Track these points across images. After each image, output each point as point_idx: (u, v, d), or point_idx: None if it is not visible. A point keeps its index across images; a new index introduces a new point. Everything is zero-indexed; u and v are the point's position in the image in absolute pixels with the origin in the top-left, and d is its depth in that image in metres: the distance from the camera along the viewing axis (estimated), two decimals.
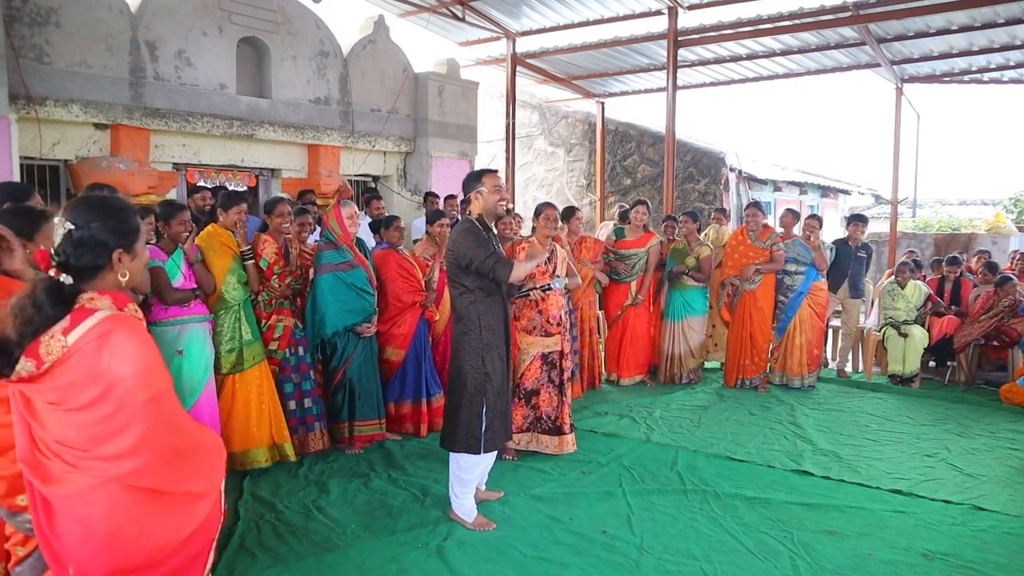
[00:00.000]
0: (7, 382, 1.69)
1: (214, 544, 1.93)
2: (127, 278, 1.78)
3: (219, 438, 2.00)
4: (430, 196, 7.53)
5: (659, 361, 6.91)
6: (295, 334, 4.54)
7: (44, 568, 1.85)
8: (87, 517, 1.70)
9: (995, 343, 6.75)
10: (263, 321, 4.44)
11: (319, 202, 6.85)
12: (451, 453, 3.63)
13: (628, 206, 7.15)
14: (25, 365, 1.65)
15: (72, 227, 1.72)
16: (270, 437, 4.31)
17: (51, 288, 1.68)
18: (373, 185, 8.52)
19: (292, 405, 4.51)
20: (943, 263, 7.55)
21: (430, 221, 5.49)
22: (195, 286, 3.96)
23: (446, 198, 7.45)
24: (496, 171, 3.64)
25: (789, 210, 6.92)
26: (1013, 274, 7.05)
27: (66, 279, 1.71)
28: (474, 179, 3.59)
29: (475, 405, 3.53)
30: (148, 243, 3.34)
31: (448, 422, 3.64)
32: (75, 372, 1.64)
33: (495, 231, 3.70)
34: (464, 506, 3.63)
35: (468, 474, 3.62)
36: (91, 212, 1.75)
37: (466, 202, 3.49)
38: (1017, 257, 7.69)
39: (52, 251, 1.75)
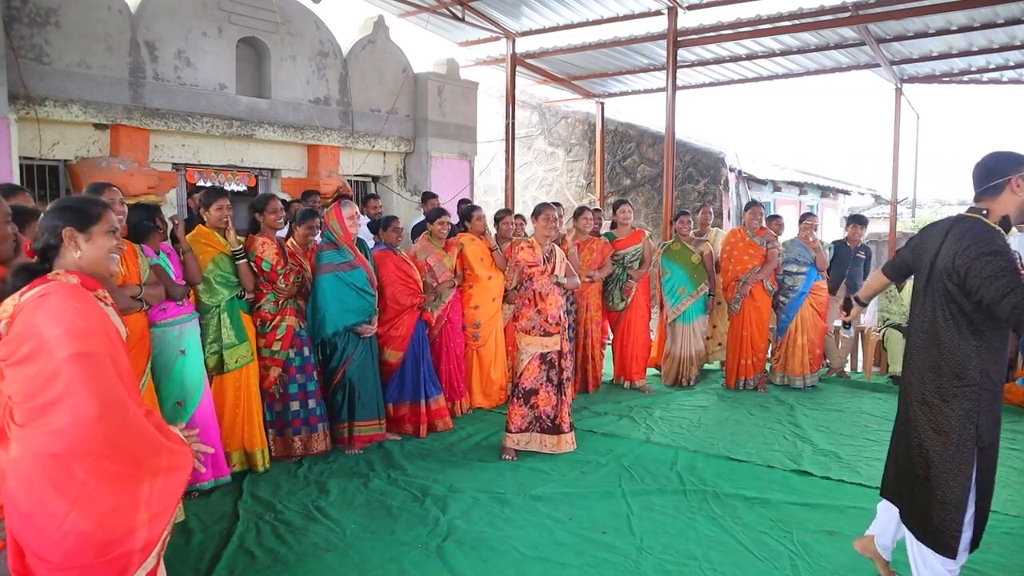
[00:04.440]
0: None
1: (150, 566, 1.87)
2: (81, 255, 1.95)
3: (188, 454, 1.95)
4: (428, 196, 7.50)
5: (667, 363, 6.87)
6: (299, 334, 4.52)
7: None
8: (13, 488, 1.76)
9: None
10: (267, 322, 4.42)
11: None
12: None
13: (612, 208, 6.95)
14: None
15: (40, 217, 2.03)
16: (240, 443, 4.30)
17: (18, 268, 1.94)
18: (347, 191, 8.27)
19: (296, 406, 4.50)
20: None
21: (431, 219, 5.48)
22: (185, 282, 3.92)
23: (424, 197, 7.35)
24: None
25: (773, 216, 7.29)
26: None
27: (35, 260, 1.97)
28: (1016, 162, 2.50)
29: (955, 488, 2.60)
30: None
31: (920, 505, 2.71)
32: (18, 327, 1.80)
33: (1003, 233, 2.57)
34: None
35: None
36: (55, 204, 2.02)
37: (992, 190, 2.47)
38: None
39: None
